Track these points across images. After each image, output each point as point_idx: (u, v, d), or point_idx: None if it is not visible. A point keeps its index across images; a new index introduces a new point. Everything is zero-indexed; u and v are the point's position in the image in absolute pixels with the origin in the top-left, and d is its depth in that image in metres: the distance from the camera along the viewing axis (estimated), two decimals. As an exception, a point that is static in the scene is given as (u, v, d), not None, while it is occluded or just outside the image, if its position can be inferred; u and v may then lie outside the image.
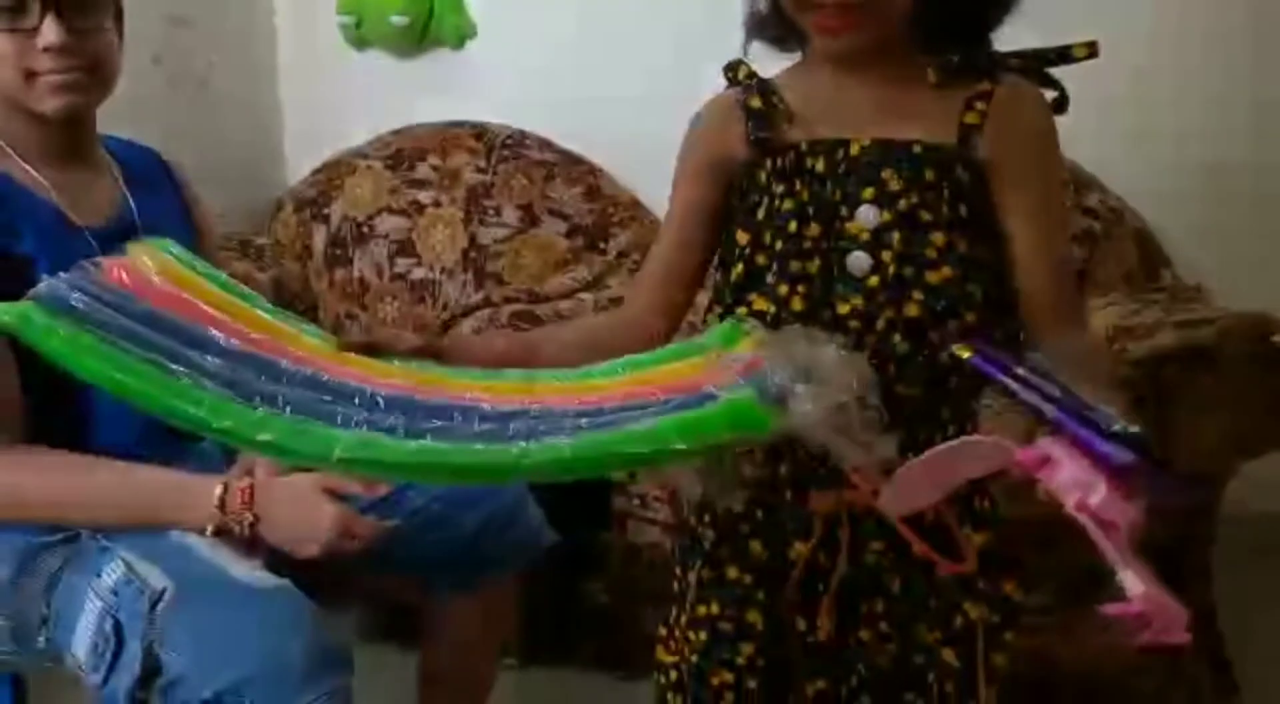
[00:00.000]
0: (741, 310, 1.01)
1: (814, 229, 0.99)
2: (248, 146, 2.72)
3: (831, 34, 0.96)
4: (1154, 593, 0.74)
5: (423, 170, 2.56)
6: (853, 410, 0.85)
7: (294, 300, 2.49)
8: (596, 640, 1.95)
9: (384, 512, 1.25)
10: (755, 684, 1.04)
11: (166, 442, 1.15)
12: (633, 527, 1.86)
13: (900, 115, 0.99)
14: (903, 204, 0.97)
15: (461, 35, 2.64)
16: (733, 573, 1.05)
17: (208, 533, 1.16)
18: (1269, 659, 1.89)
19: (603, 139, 2.51)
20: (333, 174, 2.61)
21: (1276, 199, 2.34)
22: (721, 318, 1.04)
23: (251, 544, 1.17)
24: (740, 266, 1.02)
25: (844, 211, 0.98)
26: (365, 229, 2.53)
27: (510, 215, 2.50)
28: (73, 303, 0.85)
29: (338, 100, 2.73)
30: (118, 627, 1.11)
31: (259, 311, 0.95)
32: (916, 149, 0.98)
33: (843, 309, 0.98)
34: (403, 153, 2.59)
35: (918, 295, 0.97)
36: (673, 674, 1.09)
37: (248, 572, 1.13)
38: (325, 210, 2.57)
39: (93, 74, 1.25)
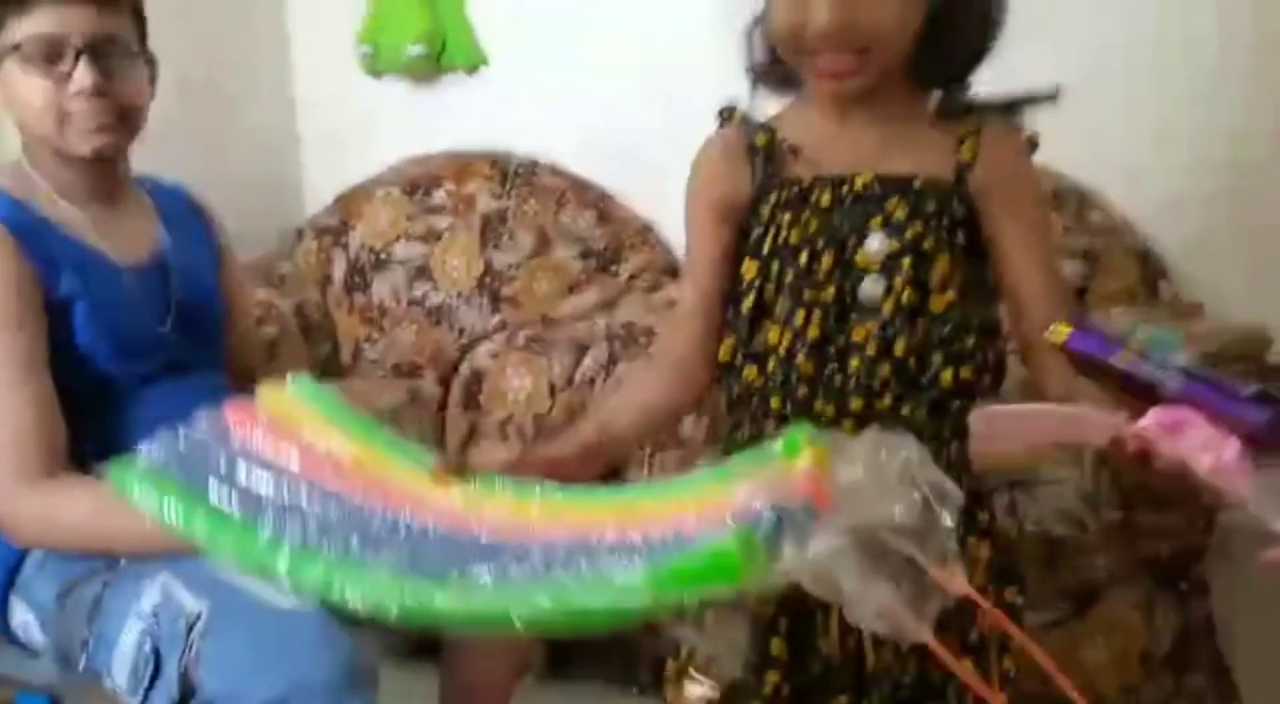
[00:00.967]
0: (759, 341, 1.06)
1: (826, 259, 1.04)
2: (268, 175, 2.80)
3: (835, 79, 1.02)
4: None
5: (439, 197, 2.63)
6: (918, 529, 0.81)
7: (314, 328, 2.57)
8: (616, 656, 1.99)
9: None
10: None
11: None
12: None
13: (899, 151, 1.06)
14: (909, 233, 1.03)
15: (475, 64, 2.72)
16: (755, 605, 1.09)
17: None
18: (1270, 669, 1.93)
19: (614, 165, 2.57)
20: (351, 202, 2.69)
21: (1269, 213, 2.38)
22: (735, 350, 1.09)
23: None
24: (751, 298, 1.07)
25: (853, 242, 1.04)
26: (383, 255, 2.61)
27: (525, 240, 2.57)
28: (179, 456, 0.92)
29: (355, 128, 2.81)
30: (156, 649, 1.16)
31: (369, 445, 0.99)
32: (917, 183, 1.04)
33: (857, 335, 1.03)
34: (419, 180, 2.66)
35: (923, 321, 1.03)
36: None
37: (278, 595, 1.18)
38: (344, 238, 2.65)
39: (123, 116, 1.31)
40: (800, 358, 1.05)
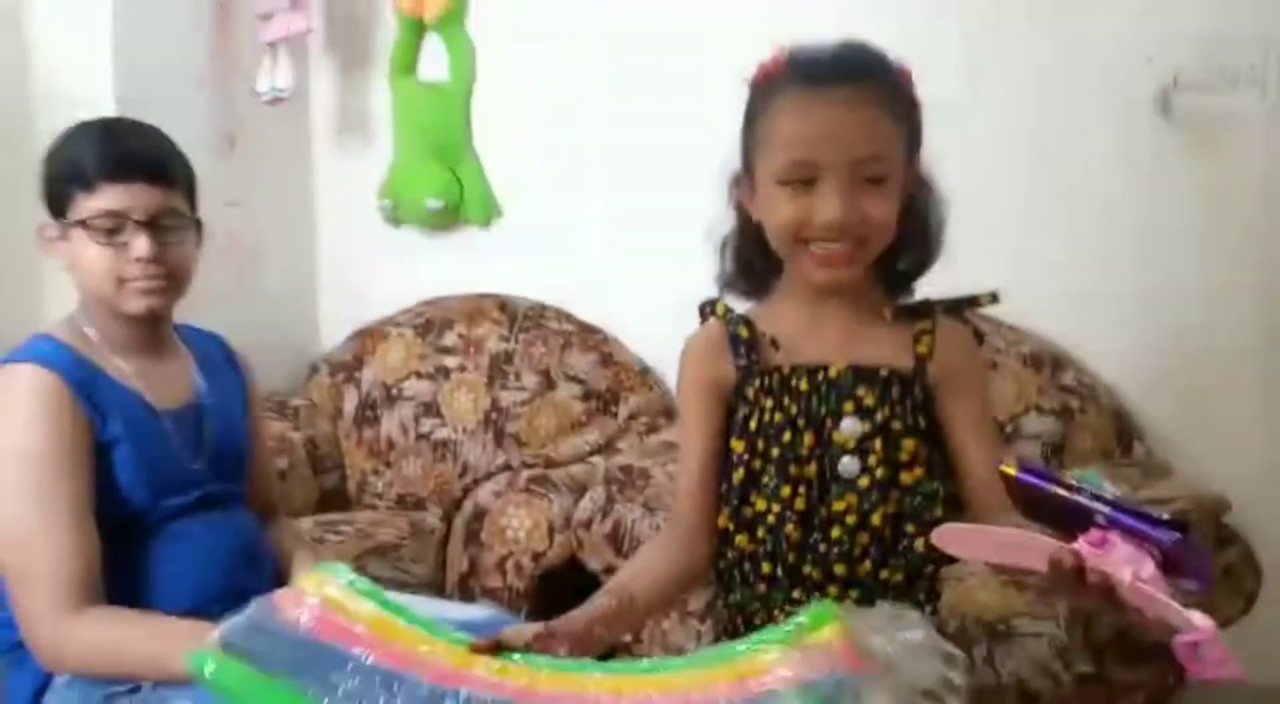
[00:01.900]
0: (748, 509, 1.17)
1: (808, 438, 1.16)
2: (288, 313, 2.91)
3: (831, 267, 1.14)
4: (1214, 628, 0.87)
5: (450, 338, 2.75)
6: (939, 690, 0.90)
7: (323, 459, 2.66)
8: None
9: None
10: None
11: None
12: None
13: (866, 343, 1.19)
14: (879, 416, 1.16)
15: (488, 217, 2.87)
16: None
17: None
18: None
19: (615, 312, 2.71)
20: (366, 340, 2.80)
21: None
22: (725, 518, 1.18)
23: None
24: (741, 471, 1.18)
25: (830, 423, 1.16)
26: (394, 392, 2.71)
27: (529, 380, 2.67)
28: (247, 645, 1.01)
29: (373, 272, 2.94)
30: None
31: (405, 625, 1.06)
32: (884, 373, 1.17)
33: (838, 507, 1.15)
34: (432, 322, 2.78)
35: (895, 494, 1.14)
36: None
37: None
38: (357, 374, 2.75)
39: (172, 280, 1.44)
40: (789, 527, 1.15)
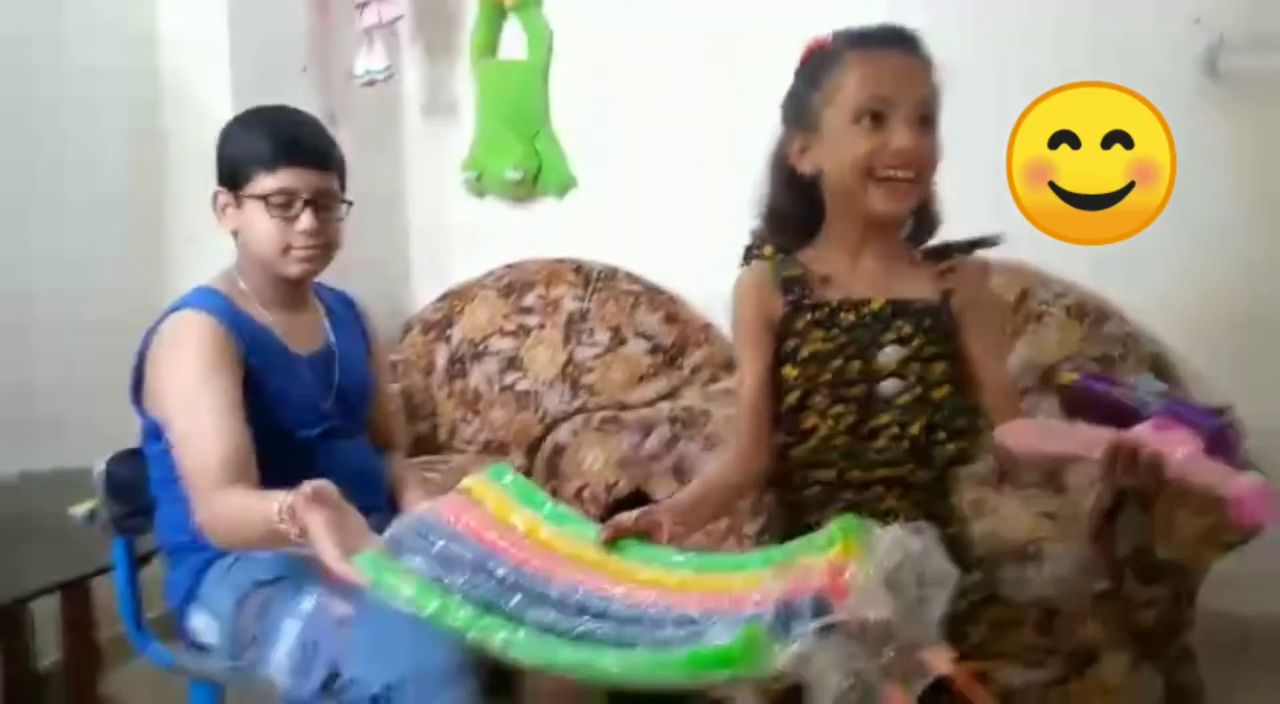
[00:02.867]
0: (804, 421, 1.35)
1: (855, 365, 1.35)
2: (384, 276, 3.13)
3: (897, 198, 1.32)
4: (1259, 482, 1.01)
5: (530, 299, 2.95)
6: (914, 616, 0.95)
7: (417, 409, 2.88)
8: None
9: None
10: None
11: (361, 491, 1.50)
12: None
13: (900, 282, 1.38)
14: (916, 343, 1.35)
15: (565, 187, 3.07)
16: None
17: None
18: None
19: (681, 273, 2.89)
20: (454, 301, 3.02)
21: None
22: (787, 433, 1.35)
23: None
24: (796, 394, 1.36)
25: (873, 351, 1.35)
26: (480, 348, 2.92)
27: (602, 336, 2.86)
28: (408, 546, 1.16)
29: (460, 239, 3.15)
30: (313, 643, 1.46)
31: (553, 528, 1.22)
32: (917, 306, 1.37)
33: (882, 420, 1.34)
34: (514, 284, 2.98)
35: (928, 409, 1.34)
36: None
37: (403, 605, 1.49)
38: (447, 332, 2.97)
39: (327, 250, 1.65)
40: (840, 439, 1.34)
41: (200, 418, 1.52)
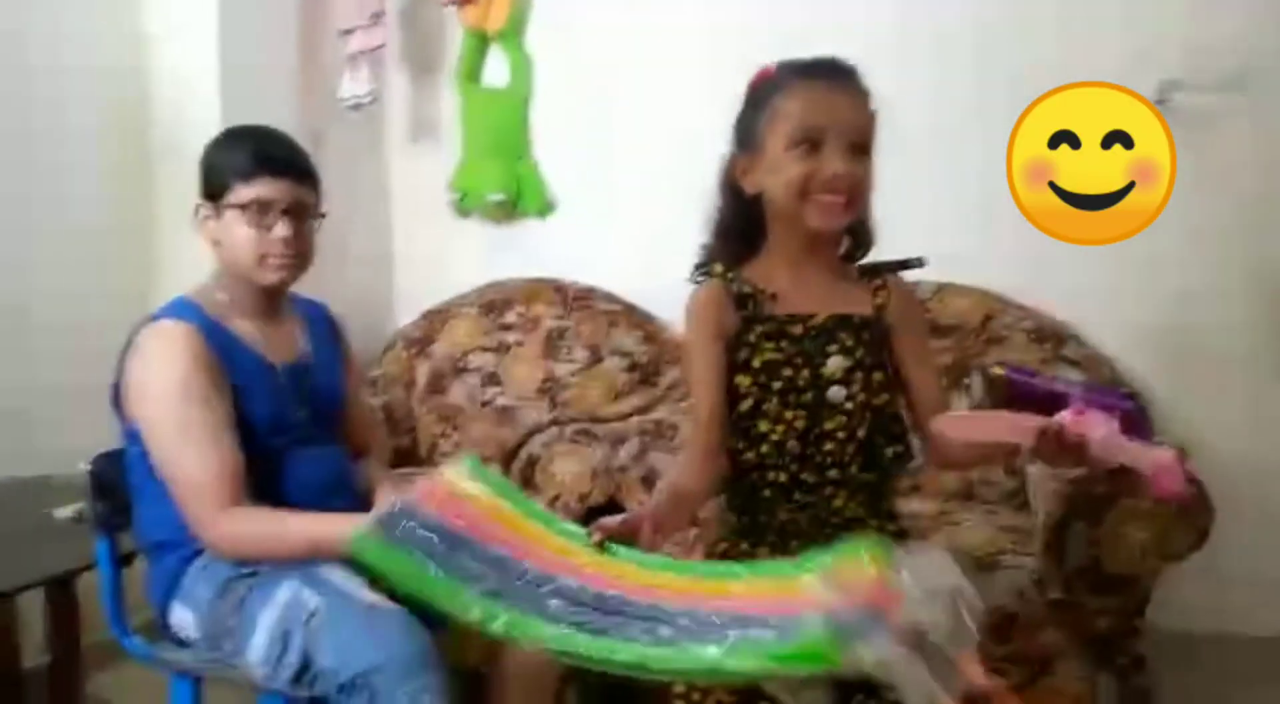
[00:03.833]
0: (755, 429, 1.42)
1: (804, 373, 1.43)
2: (367, 293, 3.19)
3: (831, 215, 1.39)
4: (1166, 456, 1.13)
5: (510, 316, 3.00)
6: (950, 627, 1.03)
7: (398, 423, 2.94)
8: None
9: None
10: None
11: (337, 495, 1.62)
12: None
13: (840, 297, 1.47)
14: (858, 354, 1.44)
15: (545, 209, 3.14)
16: None
17: None
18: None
19: (658, 293, 2.90)
20: (436, 318, 3.07)
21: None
22: (733, 439, 1.42)
23: None
24: (748, 401, 1.43)
25: (818, 361, 1.43)
26: (461, 364, 2.97)
27: (580, 354, 2.92)
28: (399, 530, 1.16)
29: (442, 258, 3.21)
30: (285, 634, 1.51)
31: (526, 519, 1.23)
32: (856, 320, 1.45)
33: (829, 425, 1.41)
34: (494, 302, 3.04)
35: (870, 414, 1.42)
36: None
37: (374, 596, 1.54)
38: (429, 348, 3.02)
39: (301, 259, 1.71)
40: (791, 443, 1.41)
41: (193, 436, 1.58)
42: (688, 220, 1.54)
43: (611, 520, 1.25)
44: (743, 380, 1.44)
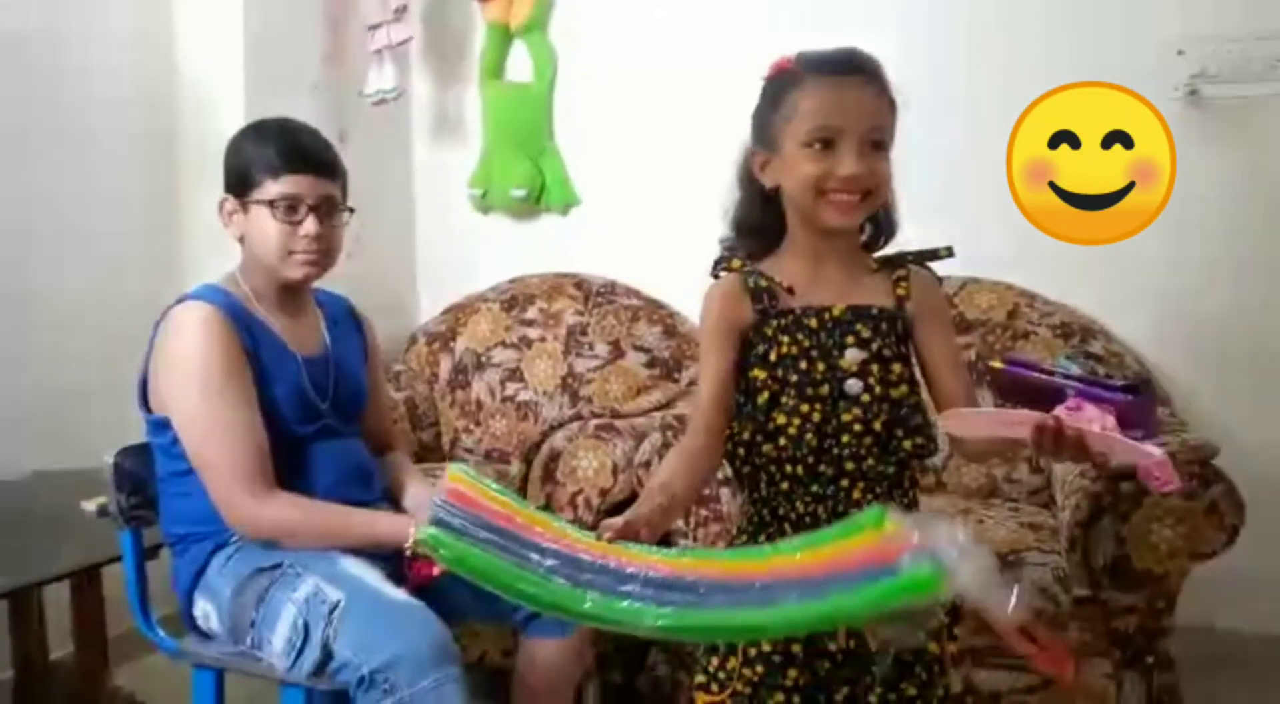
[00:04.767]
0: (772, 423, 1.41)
1: (820, 366, 1.42)
2: (391, 289, 3.21)
3: (846, 213, 1.39)
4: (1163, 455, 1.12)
5: (532, 312, 3.01)
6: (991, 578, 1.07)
7: (420, 418, 2.96)
8: None
9: None
10: (800, 700, 1.39)
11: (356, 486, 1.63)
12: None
13: (858, 289, 1.45)
14: (875, 346, 1.42)
15: (567, 204, 3.15)
16: None
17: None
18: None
19: (679, 288, 2.93)
20: (458, 313, 3.09)
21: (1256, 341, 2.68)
22: (754, 432, 1.41)
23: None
24: (765, 394, 1.43)
25: (836, 353, 1.42)
26: (483, 359, 2.99)
27: (601, 349, 2.93)
28: (455, 524, 1.16)
29: (465, 254, 3.23)
30: (306, 627, 1.53)
31: (541, 517, 1.24)
32: (874, 311, 1.44)
33: (846, 418, 1.40)
34: (516, 297, 3.05)
35: (888, 406, 1.41)
36: None
37: (393, 591, 1.56)
38: (451, 343, 3.04)
39: (328, 255, 1.72)
40: (808, 436, 1.40)
41: (224, 413, 1.60)
42: (710, 215, 1.53)
43: (614, 522, 1.25)
44: (759, 373, 1.43)
